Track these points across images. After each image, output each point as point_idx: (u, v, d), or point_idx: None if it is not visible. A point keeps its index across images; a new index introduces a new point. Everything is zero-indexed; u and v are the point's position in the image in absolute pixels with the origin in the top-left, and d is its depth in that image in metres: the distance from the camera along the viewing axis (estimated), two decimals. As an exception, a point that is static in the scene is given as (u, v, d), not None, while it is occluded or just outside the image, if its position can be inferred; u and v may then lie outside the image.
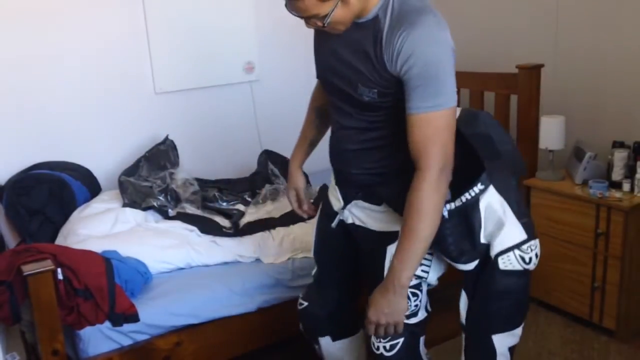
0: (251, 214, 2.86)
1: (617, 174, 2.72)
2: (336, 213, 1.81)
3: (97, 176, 3.03)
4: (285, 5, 1.47)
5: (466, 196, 1.58)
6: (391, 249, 1.63)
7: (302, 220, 2.65)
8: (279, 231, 2.64)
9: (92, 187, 2.94)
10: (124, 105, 3.17)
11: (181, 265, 2.48)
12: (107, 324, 2.10)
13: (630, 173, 2.68)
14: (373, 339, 1.75)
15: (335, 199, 1.82)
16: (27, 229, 2.58)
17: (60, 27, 2.93)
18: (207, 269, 2.48)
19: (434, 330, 2.83)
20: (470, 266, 1.64)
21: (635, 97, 2.91)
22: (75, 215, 2.65)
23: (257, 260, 2.55)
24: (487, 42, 3.60)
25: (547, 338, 2.76)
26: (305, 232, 2.60)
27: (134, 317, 2.13)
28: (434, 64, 1.45)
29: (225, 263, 2.53)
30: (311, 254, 2.48)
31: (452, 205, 1.58)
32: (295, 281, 2.45)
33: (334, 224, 1.80)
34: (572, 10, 3.13)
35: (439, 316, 2.67)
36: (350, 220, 1.78)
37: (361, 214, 1.74)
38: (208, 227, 2.66)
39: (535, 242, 1.65)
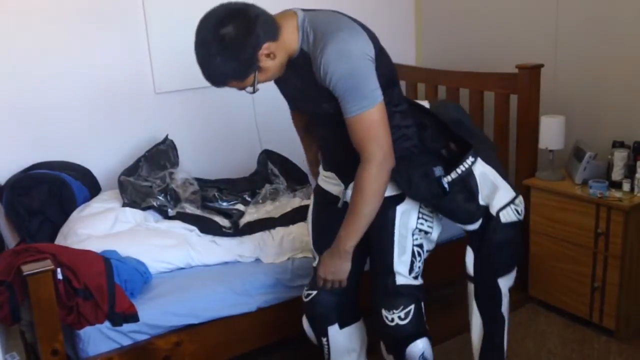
0: (251, 214, 2.87)
1: (617, 174, 2.72)
2: (336, 198, 1.99)
3: (96, 176, 3.03)
4: None
5: (461, 168, 1.87)
6: (400, 207, 1.90)
7: (302, 220, 2.66)
8: (279, 231, 2.64)
9: (92, 187, 2.94)
10: (124, 105, 3.17)
11: (181, 265, 2.48)
12: (107, 323, 2.10)
13: (630, 173, 2.69)
14: (385, 312, 1.93)
15: (333, 185, 2.02)
16: (26, 229, 2.58)
17: (60, 27, 2.94)
18: (207, 269, 2.48)
19: (434, 329, 2.84)
20: (476, 225, 1.97)
21: (635, 97, 2.91)
22: (75, 215, 2.66)
23: (257, 260, 2.55)
24: (487, 42, 3.60)
25: (547, 338, 2.76)
26: (305, 232, 2.60)
27: (133, 317, 2.14)
28: (348, 76, 1.67)
29: (225, 263, 2.53)
30: (311, 254, 2.49)
31: (449, 178, 1.86)
32: (295, 281, 2.45)
33: (340, 205, 1.95)
34: (572, 11, 3.14)
35: (438, 315, 2.68)
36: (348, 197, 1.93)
37: None
38: (208, 227, 2.66)
39: (520, 197, 2.00)
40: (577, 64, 3.14)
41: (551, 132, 2.87)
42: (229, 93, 3.49)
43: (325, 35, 1.68)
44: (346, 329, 2.12)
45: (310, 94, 1.80)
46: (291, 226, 2.66)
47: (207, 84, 3.72)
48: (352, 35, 1.69)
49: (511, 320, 2.91)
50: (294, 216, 2.72)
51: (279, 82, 1.92)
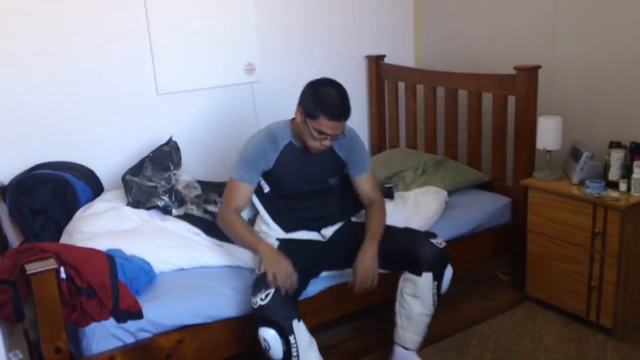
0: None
1: (613, 174, 2.74)
2: (306, 241, 2.53)
3: (99, 176, 3.05)
4: (328, 129, 2.31)
5: None
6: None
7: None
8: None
9: (95, 187, 2.95)
10: (126, 106, 3.20)
11: (183, 266, 2.49)
12: (111, 321, 2.12)
13: (626, 173, 2.71)
14: (434, 240, 2.45)
15: (304, 235, 2.55)
16: (30, 228, 2.60)
17: (62, 27, 2.96)
18: (210, 270, 2.49)
19: (433, 327, 2.85)
20: None
21: (632, 97, 2.94)
22: (79, 214, 2.67)
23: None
24: (486, 43, 3.63)
25: (544, 336, 2.78)
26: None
27: (138, 314, 2.15)
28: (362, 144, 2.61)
29: (228, 266, 2.54)
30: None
31: None
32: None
33: (326, 240, 2.58)
34: (570, 12, 3.16)
35: (437, 314, 2.68)
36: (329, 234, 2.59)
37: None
38: (214, 231, 2.67)
39: None
40: (574, 65, 3.17)
41: (548, 133, 2.89)
42: (229, 95, 3.54)
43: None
44: (302, 321, 2.20)
45: (324, 172, 2.51)
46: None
47: (208, 85, 3.77)
48: None
49: (509, 319, 2.95)
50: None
51: (291, 166, 2.44)
